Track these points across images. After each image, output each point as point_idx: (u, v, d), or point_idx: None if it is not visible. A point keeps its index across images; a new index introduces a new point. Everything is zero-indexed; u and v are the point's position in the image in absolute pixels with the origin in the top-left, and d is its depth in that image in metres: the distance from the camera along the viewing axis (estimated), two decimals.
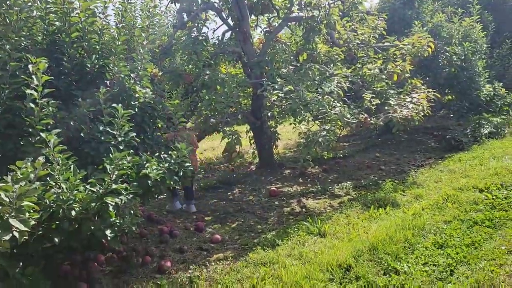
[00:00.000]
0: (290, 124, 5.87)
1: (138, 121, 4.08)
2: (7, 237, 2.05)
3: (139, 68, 4.05)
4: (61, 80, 3.81)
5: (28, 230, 2.08)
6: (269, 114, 5.31)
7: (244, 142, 9.82)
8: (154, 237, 4.59)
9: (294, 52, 7.14)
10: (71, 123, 3.55)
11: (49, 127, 3.44)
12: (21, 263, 2.83)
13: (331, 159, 7.80)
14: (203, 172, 7.95)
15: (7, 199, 2.02)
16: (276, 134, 7.63)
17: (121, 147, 3.54)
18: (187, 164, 3.94)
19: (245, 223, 4.91)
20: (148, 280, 3.57)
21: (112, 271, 3.82)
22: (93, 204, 2.96)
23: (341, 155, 8.12)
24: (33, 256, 3.03)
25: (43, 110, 3.28)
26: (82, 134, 3.54)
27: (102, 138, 3.53)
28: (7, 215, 2.03)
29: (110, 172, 3.01)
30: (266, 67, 5.81)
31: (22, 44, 3.62)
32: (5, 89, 3.25)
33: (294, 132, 5.96)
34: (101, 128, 3.57)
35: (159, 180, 3.33)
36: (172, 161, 3.57)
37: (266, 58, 6.09)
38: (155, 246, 4.33)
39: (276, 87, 4.88)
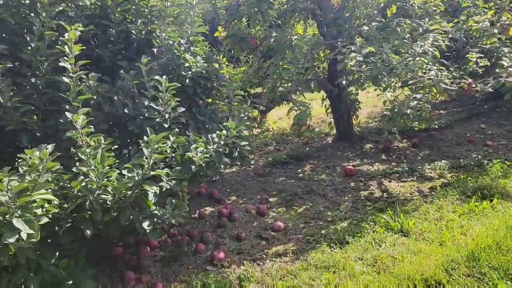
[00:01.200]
0: (375, 89, 5.04)
1: (190, 94, 3.68)
2: (12, 240, 1.79)
3: (189, 32, 3.58)
4: (107, 50, 3.52)
5: (33, 232, 1.80)
6: (346, 80, 4.55)
7: (320, 111, 9.13)
8: (213, 219, 4.29)
9: (382, 4, 6.11)
10: (115, 98, 3.26)
11: (91, 102, 3.21)
12: (57, 253, 2.67)
13: (422, 131, 6.76)
14: (274, 144, 7.49)
15: (5, 198, 1.74)
16: (357, 103, 6.80)
17: (166, 125, 3.18)
18: (243, 143, 3.48)
19: (313, 208, 4.38)
20: (198, 272, 3.27)
21: (164, 257, 3.59)
22: (129, 193, 2.65)
23: (436, 126, 6.99)
24: (73, 243, 2.85)
25: (81, 84, 3.02)
26: (126, 110, 3.23)
27: (147, 114, 3.19)
28: (8, 215, 1.76)
29: (147, 156, 2.66)
30: (344, 25, 4.98)
31: (64, 10, 3.37)
32: (43, 61, 3.03)
33: (380, 99, 5.14)
34: (146, 103, 3.23)
35: (203, 164, 2.91)
36: (222, 142, 3.10)
37: (346, 13, 5.22)
38: (212, 231, 4.03)
39: (353, 48, 4.10)
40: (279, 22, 5.03)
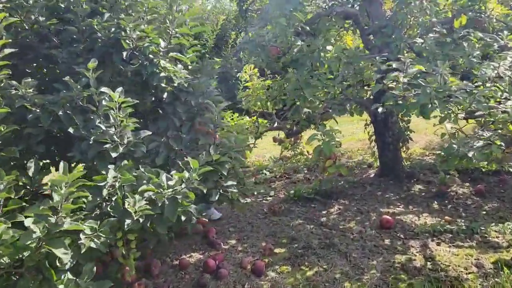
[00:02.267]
0: (435, 117, 3.90)
1: (168, 112, 2.87)
2: None
3: (170, 33, 2.78)
4: (66, 51, 2.82)
5: None
6: (382, 107, 3.53)
7: (361, 136, 7.99)
8: (196, 272, 3.44)
9: (449, 12, 4.95)
10: (61, 113, 2.53)
11: (30, 116, 2.50)
12: None
13: (492, 174, 5.45)
14: (305, 171, 6.50)
15: None
16: (408, 132, 5.64)
17: (114, 153, 2.38)
18: (228, 183, 2.60)
19: (327, 273, 3.36)
20: None
21: None
22: (27, 254, 1.87)
23: (511, 169, 5.62)
24: None
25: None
26: (71, 130, 2.48)
27: (93, 137, 2.41)
28: None
29: (56, 204, 1.86)
30: (392, 36, 3.93)
31: None
32: None
33: (440, 128, 4.03)
34: (97, 122, 2.46)
35: (141, 221, 2.05)
36: (181, 186, 2.23)
37: (397, 21, 4.16)
38: None
39: (395, 65, 3.07)
40: (307, 28, 4.10)
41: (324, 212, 4.65)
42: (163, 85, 2.79)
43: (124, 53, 2.72)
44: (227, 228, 4.38)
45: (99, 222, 2.09)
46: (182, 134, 2.80)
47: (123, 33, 2.69)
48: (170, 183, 2.19)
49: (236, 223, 4.52)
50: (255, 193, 5.59)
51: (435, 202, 4.74)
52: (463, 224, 4.03)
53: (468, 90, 2.85)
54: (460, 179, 5.17)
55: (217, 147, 2.68)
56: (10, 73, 2.36)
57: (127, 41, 2.68)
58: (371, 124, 5.78)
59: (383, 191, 5.21)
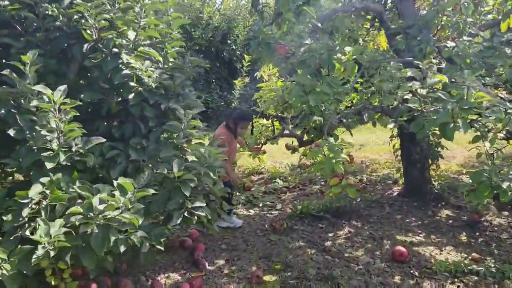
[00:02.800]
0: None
1: (135, 116, 2.48)
2: None
3: (139, 23, 2.38)
4: (23, 41, 2.49)
5: None
6: (394, 123, 2.97)
7: (385, 149, 7.35)
8: None
9: (494, 12, 4.27)
10: (2, 111, 2.20)
11: None
12: None
13: None
14: (321, 183, 5.97)
15: None
16: (438, 148, 4.98)
17: (50, 164, 2.01)
18: (196, 204, 2.17)
19: None
20: None
21: None
22: None
23: None
24: None
25: None
26: (11, 132, 2.14)
27: (32, 142, 2.06)
28: None
29: None
30: (417, 38, 3.32)
31: None
32: None
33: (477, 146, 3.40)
34: (38, 125, 2.10)
35: (51, 254, 1.66)
36: (117, 211, 1.82)
37: (428, 20, 3.54)
38: None
39: (410, 73, 2.51)
40: (319, 25, 3.57)
41: (331, 234, 4.13)
42: (132, 84, 2.40)
43: (85, 45, 2.35)
44: (219, 245, 3.97)
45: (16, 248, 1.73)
46: (147, 143, 2.40)
47: (83, 21, 2.33)
48: (100, 207, 1.78)
49: (231, 239, 4.10)
50: (260, 204, 5.15)
51: (464, 233, 4.09)
52: (492, 264, 3.38)
53: (503, 108, 2.25)
54: (496, 206, 4.48)
55: (184, 162, 2.26)
56: None
57: (88, 31, 2.32)
58: (398, 137, 5.18)
59: (404, 214, 4.60)
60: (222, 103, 12.80)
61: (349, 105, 4.18)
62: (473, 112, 2.35)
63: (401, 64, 2.74)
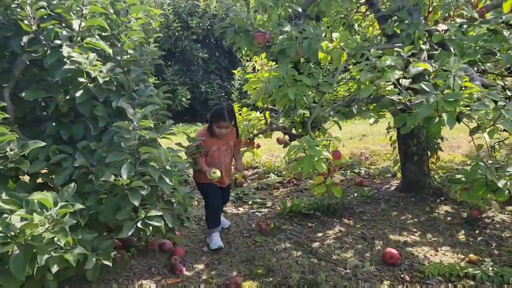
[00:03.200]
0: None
1: (87, 116, 2.25)
2: None
3: (80, 10, 2.14)
4: None
5: None
6: (373, 117, 2.69)
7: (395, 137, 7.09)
8: None
9: None
10: None
11: None
12: None
13: None
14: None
15: None
16: (437, 140, 4.69)
17: None
18: (151, 213, 1.96)
19: None
20: None
21: None
22: None
23: None
24: None
25: None
26: None
27: None
28: None
29: None
30: (404, 21, 3.00)
31: None
32: None
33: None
34: None
35: None
36: (42, 227, 1.61)
37: (419, 1, 3.21)
38: None
39: (390, 61, 2.23)
40: (299, 10, 3.28)
41: (320, 234, 3.89)
42: (81, 80, 2.18)
43: (24, 38, 2.13)
44: (201, 247, 3.76)
45: None
46: (97, 146, 2.18)
47: (19, 10, 2.10)
48: (17, 225, 1.57)
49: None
50: (250, 202, 4.92)
51: (462, 231, 3.83)
52: (491, 267, 3.11)
53: (492, 100, 1.97)
54: (499, 201, 4.19)
55: (135, 167, 2.03)
56: None
57: (26, 21, 2.09)
58: (394, 128, 4.90)
59: (400, 211, 4.34)
60: (223, 94, 12.57)
61: (332, 98, 3.90)
62: (461, 105, 2.07)
63: (381, 52, 2.46)
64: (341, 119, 3.63)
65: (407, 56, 2.25)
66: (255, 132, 5.24)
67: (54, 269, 1.67)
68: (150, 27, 4.10)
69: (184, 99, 11.69)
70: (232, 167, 4.05)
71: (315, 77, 3.16)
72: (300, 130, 3.97)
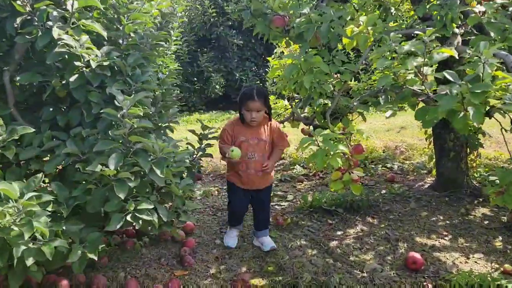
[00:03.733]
0: None
1: (81, 101, 2.18)
2: None
3: None
4: None
5: None
6: (389, 110, 2.43)
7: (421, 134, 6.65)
8: None
9: None
10: None
11: None
12: None
13: None
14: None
15: None
16: (478, 136, 4.29)
17: None
18: (142, 206, 1.86)
19: None
20: None
21: None
22: None
23: None
24: None
25: None
26: None
27: None
28: None
29: None
30: (437, 2, 2.67)
31: None
32: None
33: None
34: None
35: None
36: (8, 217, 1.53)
37: None
38: None
39: (408, 47, 1.96)
40: None
41: (339, 232, 3.68)
42: (77, 63, 2.09)
43: (18, 19, 2.06)
44: (214, 239, 3.66)
45: None
46: (89, 133, 2.09)
47: None
48: None
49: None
50: (271, 194, 4.75)
51: (500, 237, 3.49)
52: None
53: None
54: None
55: (125, 156, 1.93)
56: None
57: (19, 2, 2.02)
58: None
59: (431, 211, 4.03)
60: (257, 81, 12.39)
61: (366, 87, 3.63)
62: (493, 97, 1.79)
63: (400, 36, 2.18)
64: (366, 109, 3.36)
65: (431, 40, 1.97)
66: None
67: (29, 261, 1.61)
68: (175, 12, 3.99)
69: (218, 86, 11.62)
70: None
71: (335, 64, 2.92)
72: (322, 121, 3.76)
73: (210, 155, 3.50)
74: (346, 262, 3.18)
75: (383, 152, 6.26)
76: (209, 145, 3.44)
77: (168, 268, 3.21)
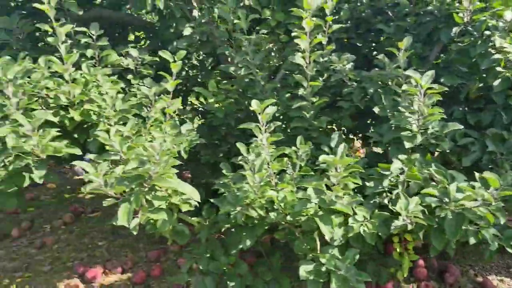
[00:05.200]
0: None
1: (498, 104, 2.35)
2: None
3: None
4: (393, 26, 2.76)
5: None
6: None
7: None
8: None
9: None
10: (371, 90, 2.54)
11: None
12: None
13: None
14: None
15: None
16: None
17: (408, 144, 2.21)
18: None
19: None
20: None
21: None
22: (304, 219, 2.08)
23: None
24: None
25: None
26: (376, 110, 2.48)
27: (393, 121, 2.33)
28: None
29: (330, 183, 1.96)
30: None
31: None
32: None
33: None
34: (401, 106, 2.35)
35: (409, 227, 1.83)
36: (476, 202, 1.81)
37: None
38: None
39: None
40: None
41: None
42: (499, 69, 2.24)
43: (454, 29, 2.35)
44: None
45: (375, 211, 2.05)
46: (508, 135, 2.20)
47: (456, 4, 2.31)
48: (459, 195, 1.81)
49: None
50: None
51: None
52: None
53: None
54: None
55: None
56: (334, 48, 2.56)
57: (460, 14, 2.29)
58: None
59: None
60: None
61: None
62: None
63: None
64: None
65: None
66: None
67: (472, 241, 1.89)
68: None
69: None
70: None
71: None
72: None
73: None
74: None
75: None
76: None
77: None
